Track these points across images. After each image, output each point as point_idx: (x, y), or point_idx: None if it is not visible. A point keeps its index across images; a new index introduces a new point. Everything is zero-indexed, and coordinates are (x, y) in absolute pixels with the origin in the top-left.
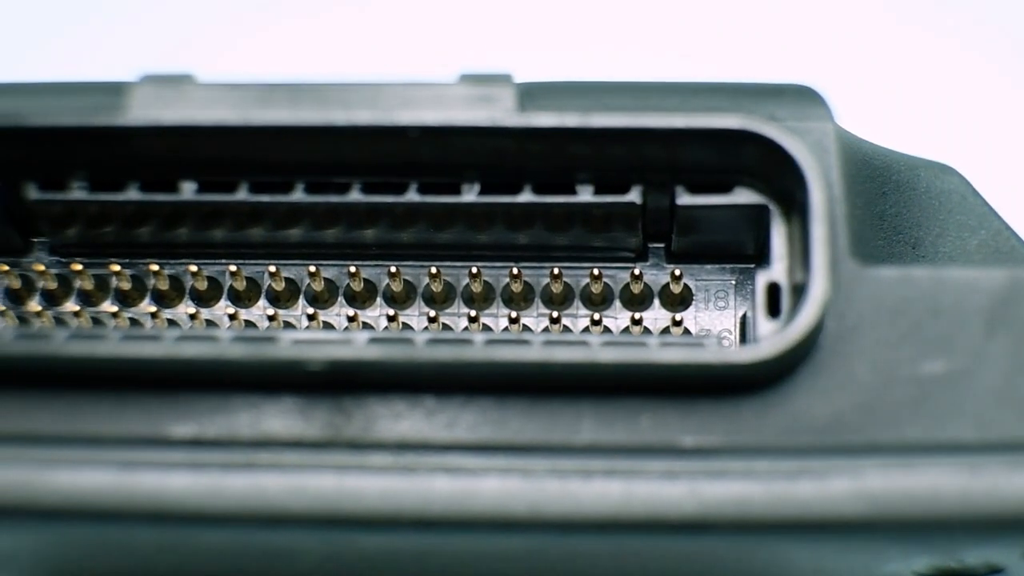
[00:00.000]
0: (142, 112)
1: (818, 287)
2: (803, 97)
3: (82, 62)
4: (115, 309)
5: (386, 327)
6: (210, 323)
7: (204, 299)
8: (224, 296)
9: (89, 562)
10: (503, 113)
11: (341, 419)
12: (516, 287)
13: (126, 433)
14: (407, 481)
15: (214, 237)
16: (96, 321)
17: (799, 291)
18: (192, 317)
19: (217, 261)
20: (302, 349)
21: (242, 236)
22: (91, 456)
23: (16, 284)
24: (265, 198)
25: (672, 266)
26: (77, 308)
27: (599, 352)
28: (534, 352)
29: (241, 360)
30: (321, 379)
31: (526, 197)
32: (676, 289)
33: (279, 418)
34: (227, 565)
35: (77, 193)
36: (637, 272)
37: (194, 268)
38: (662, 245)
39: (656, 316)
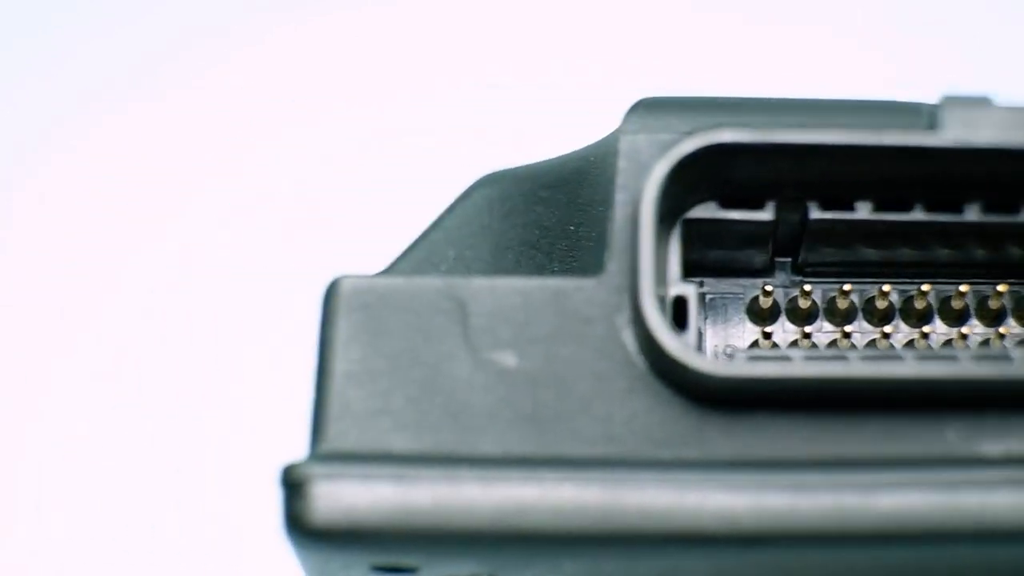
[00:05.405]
0: (954, 133)
1: None
2: None
3: None
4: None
5: None
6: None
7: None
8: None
9: None
10: None
11: None
12: None
13: (938, 453)
14: None
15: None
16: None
17: None
18: (959, 338)
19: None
20: None
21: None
22: (905, 479)
23: (766, 304)
24: None
25: None
26: (845, 330)
27: None
28: None
29: None
30: None
31: None
32: None
33: None
34: None
35: (860, 212)
36: None
37: (964, 288)
38: None
39: None
